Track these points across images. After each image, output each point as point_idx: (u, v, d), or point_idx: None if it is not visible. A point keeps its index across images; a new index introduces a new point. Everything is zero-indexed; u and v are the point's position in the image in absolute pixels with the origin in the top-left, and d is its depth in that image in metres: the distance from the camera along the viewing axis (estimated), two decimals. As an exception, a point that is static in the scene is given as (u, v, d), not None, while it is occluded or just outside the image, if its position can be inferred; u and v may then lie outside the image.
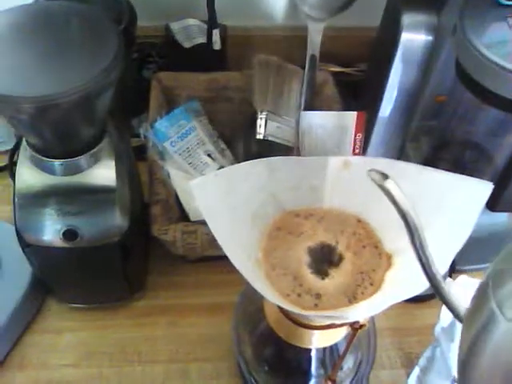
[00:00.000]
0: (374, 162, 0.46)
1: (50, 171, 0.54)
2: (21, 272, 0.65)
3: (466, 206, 0.42)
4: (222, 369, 0.63)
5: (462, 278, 0.49)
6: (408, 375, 0.62)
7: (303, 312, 0.41)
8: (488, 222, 0.62)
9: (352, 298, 0.42)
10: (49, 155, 0.53)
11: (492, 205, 0.55)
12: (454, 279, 0.50)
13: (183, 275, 0.71)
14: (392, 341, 0.67)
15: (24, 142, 0.55)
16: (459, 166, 0.67)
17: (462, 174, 0.43)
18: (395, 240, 0.44)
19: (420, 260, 0.30)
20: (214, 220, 0.41)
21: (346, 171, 0.47)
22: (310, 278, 0.43)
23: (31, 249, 0.58)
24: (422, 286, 0.36)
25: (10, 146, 0.75)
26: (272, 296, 0.41)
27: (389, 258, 0.45)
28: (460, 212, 0.42)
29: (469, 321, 0.27)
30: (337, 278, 0.43)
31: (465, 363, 0.27)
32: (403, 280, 0.42)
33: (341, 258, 0.45)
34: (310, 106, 0.73)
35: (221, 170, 0.46)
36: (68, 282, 0.64)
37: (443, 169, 0.45)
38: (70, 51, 0.49)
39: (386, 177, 0.29)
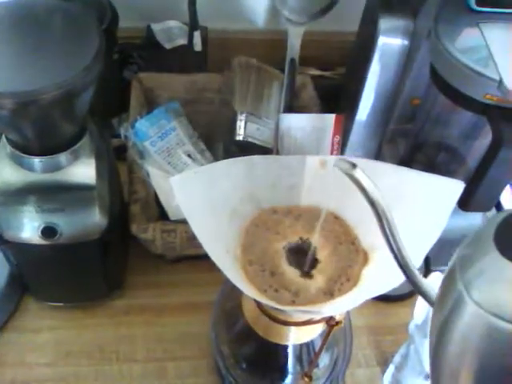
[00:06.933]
0: (350, 161, 0.47)
1: (30, 168, 0.54)
2: (-2, 269, 0.64)
3: (438, 203, 0.43)
4: (200, 367, 0.63)
5: (435, 275, 0.50)
6: (383, 373, 0.63)
7: (281, 306, 0.42)
8: (462, 224, 0.63)
9: (329, 295, 0.43)
10: (28, 152, 0.53)
11: (464, 205, 0.56)
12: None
13: (162, 274, 0.71)
14: (368, 339, 0.67)
15: (4, 139, 0.54)
16: (433, 168, 0.69)
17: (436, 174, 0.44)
18: (371, 236, 0.44)
19: (390, 246, 0.30)
20: (193, 216, 0.41)
21: (322, 170, 0.47)
22: (288, 275, 0.44)
23: (9, 246, 0.57)
24: (397, 279, 0.37)
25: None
26: (250, 291, 0.42)
27: (365, 254, 0.45)
28: (433, 209, 0.43)
29: (438, 305, 0.28)
30: (314, 275, 0.44)
31: (436, 347, 0.28)
32: (380, 276, 0.43)
33: (318, 255, 0.45)
34: (289, 109, 0.74)
35: (200, 168, 0.47)
36: (46, 279, 0.63)
37: (418, 170, 0.46)
38: (51, 48, 0.49)
39: (354, 166, 0.30)
